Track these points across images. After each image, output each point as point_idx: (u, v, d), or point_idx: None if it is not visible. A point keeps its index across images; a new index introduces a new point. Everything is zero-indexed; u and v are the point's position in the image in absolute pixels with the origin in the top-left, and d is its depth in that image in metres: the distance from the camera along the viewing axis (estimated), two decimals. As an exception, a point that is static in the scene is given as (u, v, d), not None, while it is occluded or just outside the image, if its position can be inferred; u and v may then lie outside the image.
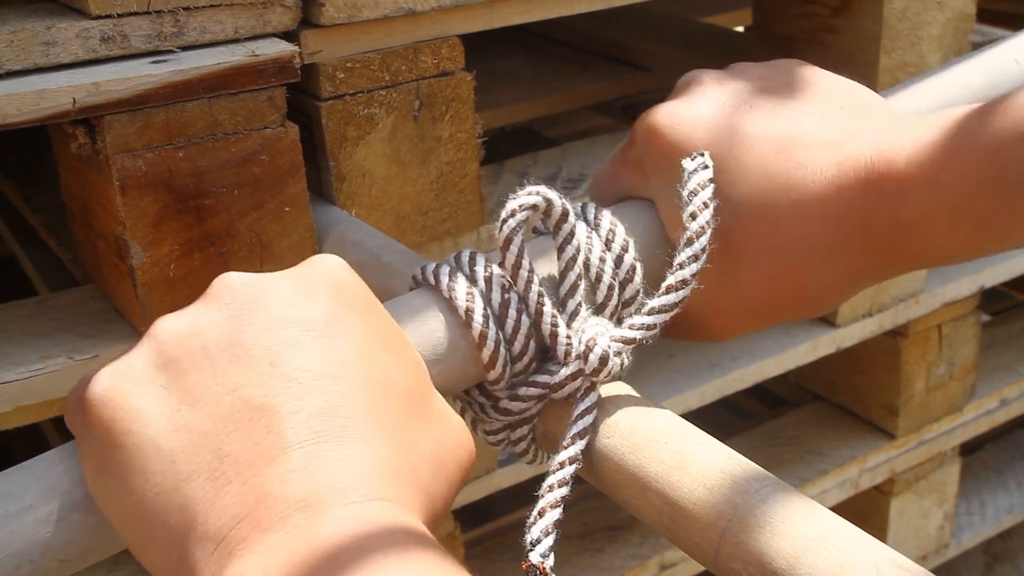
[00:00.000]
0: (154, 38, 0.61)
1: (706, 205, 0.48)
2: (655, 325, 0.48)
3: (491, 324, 0.47)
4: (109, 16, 0.59)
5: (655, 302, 0.48)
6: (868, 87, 0.91)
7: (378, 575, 0.31)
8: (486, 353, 0.47)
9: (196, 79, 0.59)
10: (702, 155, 0.50)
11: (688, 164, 0.50)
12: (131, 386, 0.37)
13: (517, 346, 0.47)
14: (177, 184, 0.61)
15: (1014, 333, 1.24)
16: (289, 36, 0.65)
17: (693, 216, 0.48)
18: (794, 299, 0.52)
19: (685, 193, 0.49)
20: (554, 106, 1.10)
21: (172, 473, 0.36)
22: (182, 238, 0.62)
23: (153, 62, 0.60)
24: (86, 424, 0.38)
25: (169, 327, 0.39)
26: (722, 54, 1.11)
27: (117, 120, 0.58)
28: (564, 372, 0.47)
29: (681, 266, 0.48)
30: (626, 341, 0.48)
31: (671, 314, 0.48)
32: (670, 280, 0.48)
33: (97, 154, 0.60)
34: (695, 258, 0.48)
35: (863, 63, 0.87)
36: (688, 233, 0.48)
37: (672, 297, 0.48)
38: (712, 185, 0.49)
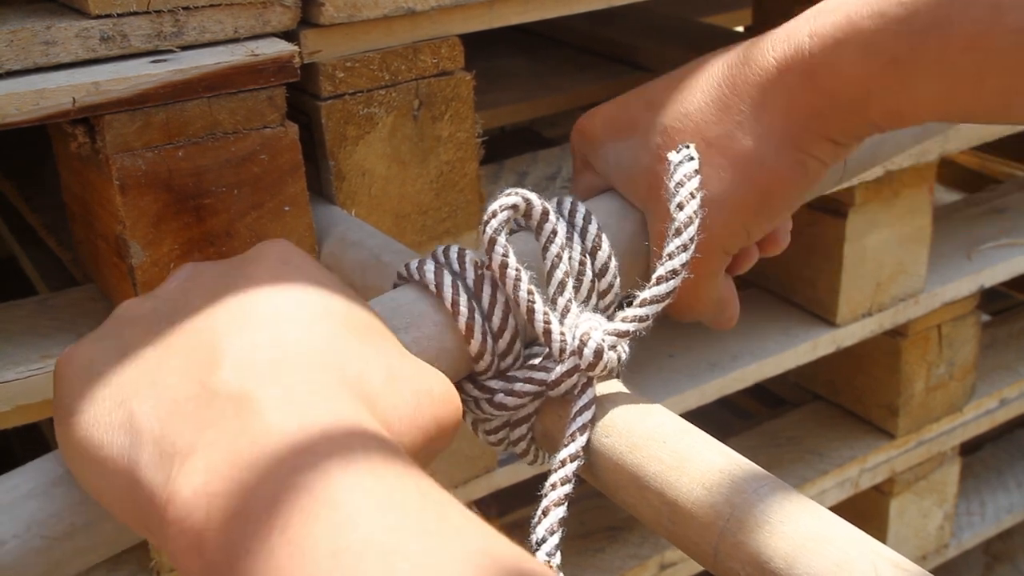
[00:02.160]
0: (154, 38, 0.61)
1: (693, 196, 0.49)
2: (647, 316, 0.48)
3: (462, 291, 0.48)
4: (109, 16, 0.59)
5: (646, 293, 0.48)
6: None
7: (323, 467, 0.32)
8: (462, 320, 0.47)
9: (196, 79, 0.59)
10: (687, 147, 0.51)
11: (674, 156, 0.50)
12: (87, 343, 0.41)
13: (496, 321, 0.48)
14: (177, 184, 0.61)
15: (1014, 333, 1.24)
16: (289, 36, 0.65)
17: (680, 206, 0.49)
18: (742, 173, 0.52)
19: (672, 184, 0.49)
20: (554, 106, 1.10)
21: (118, 395, 0.37)
22: (182, 238, 0.62)
23: (153, 62, 0.60)
24: (54, 388, 0.41)
25: (126, 302, 0.43)
26: (722, 54, 1.11)
27: (117, 120, 0.58)
28: (560, 369, 0.47)
29: (671, 256, 0.48)
30: (620, 334, 0.48)
31: (663, 305, 0.48)
32: (660, 271, 0.48)
33: (97, 154, 0.60)
34: (684, 248, 0.48)
35: (863, 63, 0.87)
36: (676, 224, 0.49)
37: (663, 288, 0.48)
38: (698, 176, 0.50)
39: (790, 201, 0.54)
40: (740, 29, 1.40)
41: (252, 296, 0.39)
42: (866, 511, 1.13)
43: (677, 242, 0.48)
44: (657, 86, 0.56)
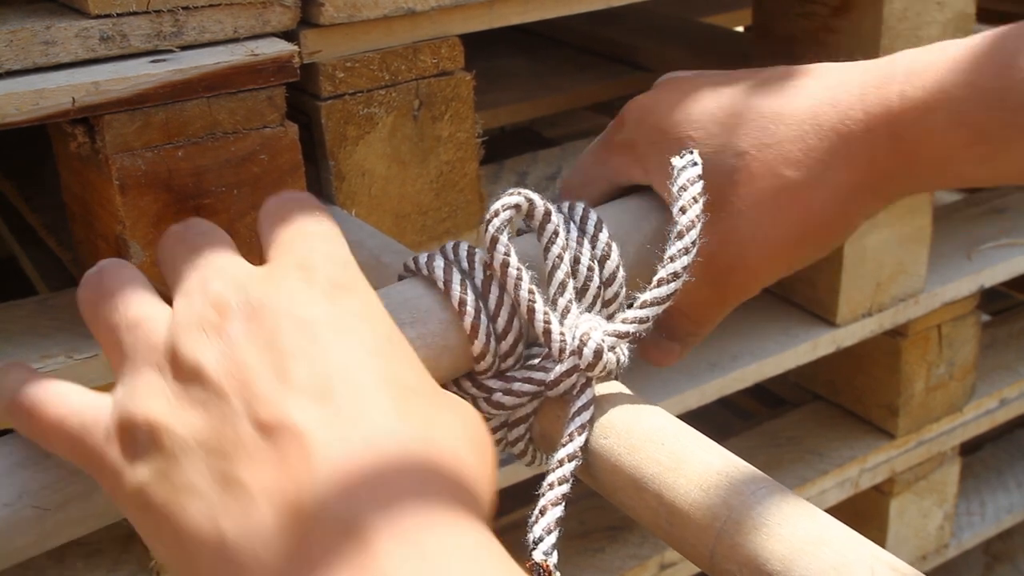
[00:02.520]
0: (153, 37, 0.61)
1: (695, 200, 0.49)
2: (647, 318, 0.48)
3: (470, 290, 0.48)
4: (108, 16, 0.59)
5: (647, 295, 0.48)
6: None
7: None
8: (467, 320, 0.47)
9: (195, 79, 0.59)
10: (691, 152, 0.51)
11: (677, 161, 0.51)
12: (142, 397, 0.35)
13: (501, 322, 0.48)
14: (177, 184, 0.61)
15: (1014, 333, 1.24)
16: (289, 36, 0.65)
17: (683, 210, 0.49)
18: (802, 222, 0.52)
19: (675, 188, 0.50)
20: (554, 106, 1.10)
21: (206, 504, 0.32)
22: (182, 238, 0.62)
23: (152, 61, 0.60)
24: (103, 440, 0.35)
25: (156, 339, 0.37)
26: (722, 54, 1.11)
27: (116, 119, 0.58)
28: (559, 369, 0.47)
29: (672, 259, 0.48)
30: (619, 335, 0.48)
31: (663, 307, 0.48)
32: (661, 273, 0.48)
33: (96, 153, 0.60)
34: (686, 251, 0.48)
35: (863, 63, 0.87)
36: (679, 227, 0.49)
37: (664, 290, 0.48)
38: (701, 182, 0.50)
39: (830, 249, 0.55)
40: (740, 29, 1.40)
41: (333, 377, 0.33)
42: (866, 511, 1.13)
43: (679, 245, 0.48)
44: (733, 94, 0.54)
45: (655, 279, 0.48)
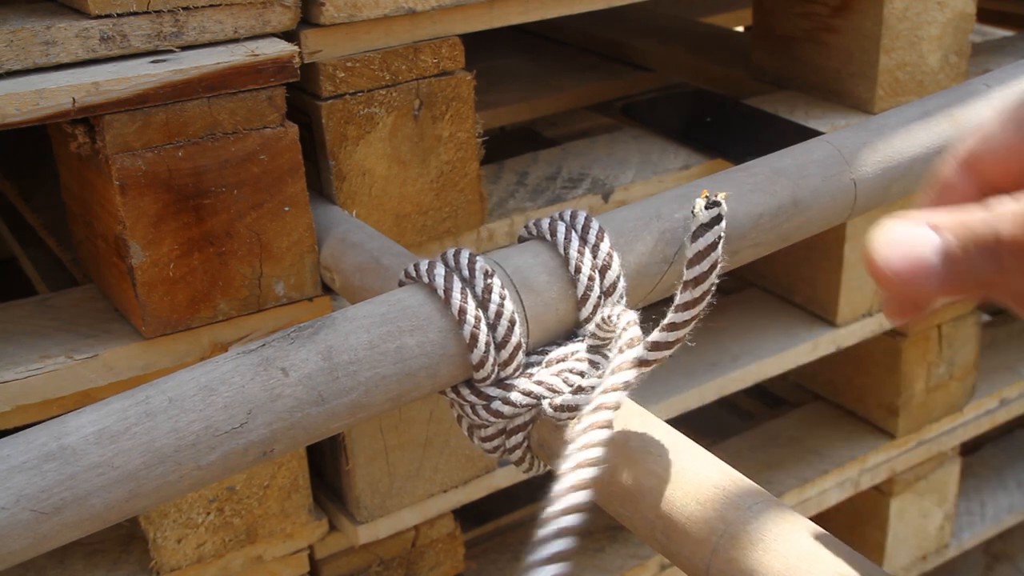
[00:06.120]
0: (153, 38, 0.61)
1: (713, 247, 0.43)
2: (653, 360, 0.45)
3: (470, 299, 0.48)
4: (108, 16, 0.59)
5: (657, 336, 0.44)
6: (868, 87, 0.91)
7: None
8: (467, 329, 0.47)
9: (195, 79, 0.59)
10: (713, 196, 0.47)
11: (699, 202, 0.45)
12: None
13: (500, 331, 0.48)
14: (176, 184, 0.61)
15: (1014, 333, 1.24)
16: (289, 36, 0.65)
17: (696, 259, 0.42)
18: None
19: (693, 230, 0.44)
20: (554, 106, 1.10)
21: None
22: (181, 238, 0.62)
23: (152, 62, 0.60)
24: None
25: None
26: (722, 54, 1.11)
27: (117, 120, 0.58)
28: None
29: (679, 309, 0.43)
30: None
31: (678, 334, 0.44)
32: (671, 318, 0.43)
33: (97, 154, 0.60)
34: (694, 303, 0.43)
35: (863, 63, 0.87)
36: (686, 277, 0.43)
37: (678, 315, 0.43)
38: (723, 222, 0.43)
39: None
40: (740, 29, 1.40)
41: None
42: (866, 511, 1.13)
43: (688, 296, 0.42)
44: None
45: (663, 323, 0.43)
